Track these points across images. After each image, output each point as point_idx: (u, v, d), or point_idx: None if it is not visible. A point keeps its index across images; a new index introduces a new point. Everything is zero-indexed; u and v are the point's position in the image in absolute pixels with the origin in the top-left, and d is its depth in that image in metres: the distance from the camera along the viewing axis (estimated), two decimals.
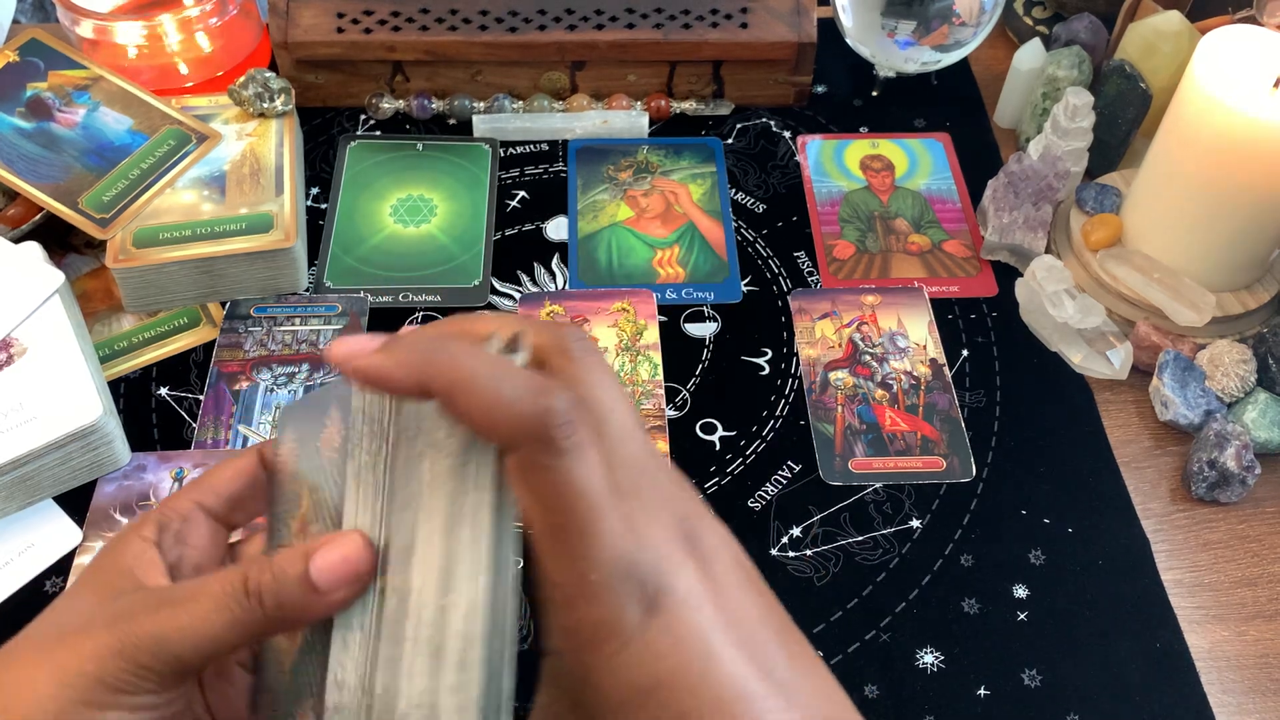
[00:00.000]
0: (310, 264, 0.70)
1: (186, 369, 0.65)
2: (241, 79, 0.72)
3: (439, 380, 0.26)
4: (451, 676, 0.27)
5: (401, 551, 0.29)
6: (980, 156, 0.79)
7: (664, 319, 0.68)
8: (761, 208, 0.75)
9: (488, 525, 0.28)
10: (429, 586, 0.28)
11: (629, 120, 0.79)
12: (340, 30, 0.76)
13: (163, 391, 0.64)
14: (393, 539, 0.29)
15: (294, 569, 0.29)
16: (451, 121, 0.80)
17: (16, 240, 0.65)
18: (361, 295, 0.69)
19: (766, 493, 0.60)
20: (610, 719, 0.26)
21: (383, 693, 0.28)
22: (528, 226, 0.74)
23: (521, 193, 0.76)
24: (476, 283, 0.70)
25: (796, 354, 0.67)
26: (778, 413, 0.64)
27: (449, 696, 0.27)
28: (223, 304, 0.68)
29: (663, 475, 0.28)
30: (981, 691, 0.53)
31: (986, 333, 0.68)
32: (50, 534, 0.57)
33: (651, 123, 0.80)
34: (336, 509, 0.31)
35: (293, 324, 0.67)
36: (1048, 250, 0.71)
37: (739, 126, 0.81)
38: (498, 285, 0.70)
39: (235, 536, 0.36)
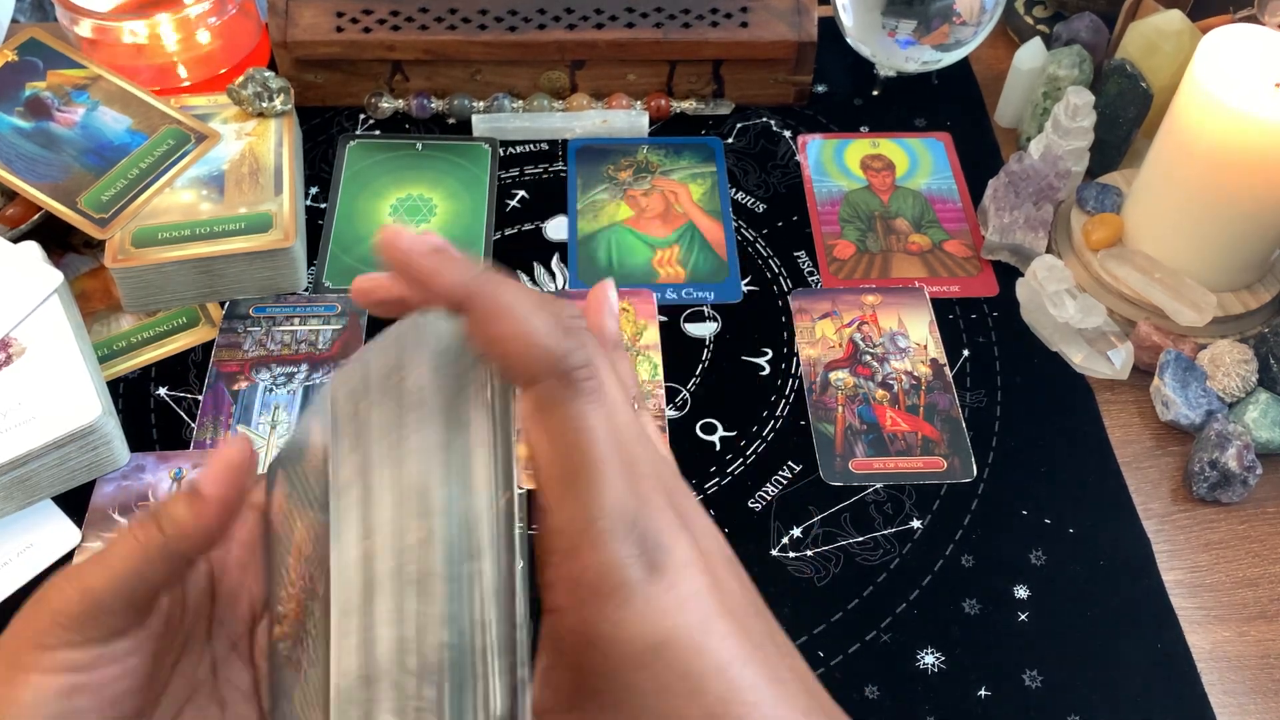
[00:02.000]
0: (309, 264, 0.70)
1: (185, 369, 0.65)
2: (240, 78, 0.72)
3: (478, 299, 0.27)
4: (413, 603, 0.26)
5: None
6: (981, 156, 0.79)
7: (664, 319, 0.68)
8: (762, 207, 0.75)
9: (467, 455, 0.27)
10: (396, 519, 0.27)
11: (629, 120, 0.79)
12: (339, 30, 0.76)
13: (162, 391, 0.64)
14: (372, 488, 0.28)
15: (184, 490, 0.30)
16: (451, 121, 0.79)
17: (15, 240, 0.65)
18: None
19: (767, 493, 0.60)
20: (614, 678, 0.26)
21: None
22: (527, 226, 0.74)
23: (521, 192, 0.76)
24: None
25: (797, 354, 0.67)
26: (778, 413, 0.64)
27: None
28: (222, 304, 0.68)
29: (653, 451, 0.29)
30: (982, 692, 0.53)
31: (987, 333, 0.68)
32: (49, 534, 0.57)
33: (651, 122, 0.80)
34: (323, 500, 0.30)
35: (292, 324, 0.67)
36: (1048, 250, 0.71)
37: (739, 126, 0.81)
38: None
39: None
